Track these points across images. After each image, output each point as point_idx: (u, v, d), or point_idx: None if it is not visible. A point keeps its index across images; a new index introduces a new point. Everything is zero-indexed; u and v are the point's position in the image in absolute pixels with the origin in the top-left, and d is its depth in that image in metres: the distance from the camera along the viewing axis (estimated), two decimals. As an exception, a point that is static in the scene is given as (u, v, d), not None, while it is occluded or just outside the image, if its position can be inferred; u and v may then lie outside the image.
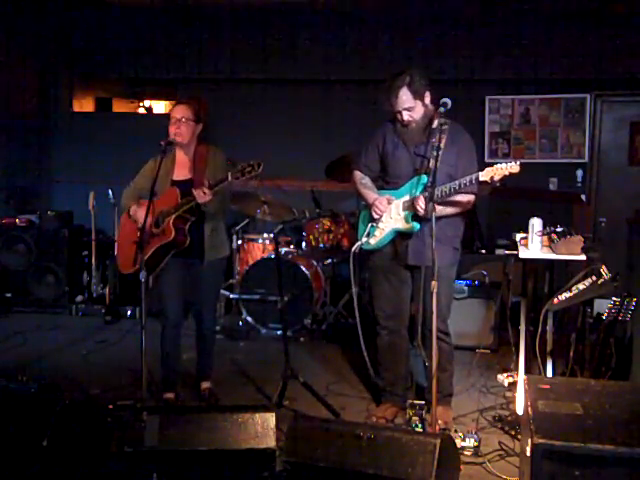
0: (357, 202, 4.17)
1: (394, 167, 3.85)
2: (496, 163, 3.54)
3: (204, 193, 3.74)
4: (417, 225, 3.71)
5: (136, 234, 3.85)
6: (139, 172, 4.10)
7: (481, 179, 3.54)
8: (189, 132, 3.97)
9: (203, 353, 4.27)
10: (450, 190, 3.60)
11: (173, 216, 3.84)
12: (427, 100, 3.72)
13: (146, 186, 3.82)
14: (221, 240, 4.13)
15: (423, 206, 3.59)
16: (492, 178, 3.50)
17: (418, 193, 3.69)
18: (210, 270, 4.07)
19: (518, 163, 3.48)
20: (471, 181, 3.56)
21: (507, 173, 3.48)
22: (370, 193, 3.92)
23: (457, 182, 3.59)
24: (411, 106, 3.68)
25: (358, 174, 4.01)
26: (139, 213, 3.93)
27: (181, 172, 4.01)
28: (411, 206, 3.71)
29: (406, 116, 3.70)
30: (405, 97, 3.65)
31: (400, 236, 3.83)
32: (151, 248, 3.87)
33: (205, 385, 4.28)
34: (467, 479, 3.31)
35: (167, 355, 4.11)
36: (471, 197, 3.77)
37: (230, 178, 3.67)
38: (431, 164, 3.49)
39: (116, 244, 4.25)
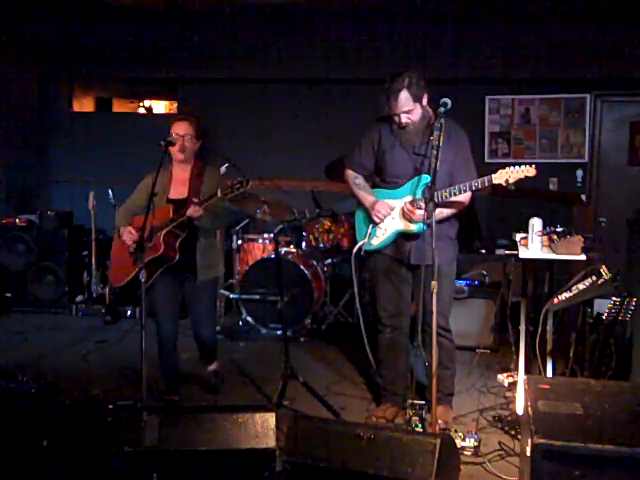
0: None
1: (392, 167, 3.81)
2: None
3: (194, 209, 3.78)
4: (422, 226, 3.61)
5: (126, 253, 3.94)
6: (136, 189, 4.10)
7: (494, 182, 3.47)
8: (192, 149, 4.02)
9: (206, 348, 4.33)
10: (460, 191, 3.55)
11: (164, 231, 3.85)
12: (425, 102, 3.69)
13: (143, 202, 3.81)
14: (216, 259, 4.15)
15: (417, 215, 3.59)
16: (507, 181, 3.43)
17: (420, 193, 3.65)
18: (204, 289, 4.09)
19: (534, 167, 3.41)
20: (483, 183, 3.50)
21: (523, 176, 3.42)
22: (365, 195, 3.90)
23: (467, 184, 3.53)
24: (410, 109, 3.63)
25: (351, 173, 3.96)
26: (126, 236, 3.93)
27: (177, 190, 4.02)
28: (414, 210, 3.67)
29: (404, 118, 3.66)
30: (405, 100, 3.61)
31: (402, 236, 3.80)
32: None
33: (212, 367, 4.36)
34: (467, 479, 3.31)
35: (166, 363, 4.14)
36: (469, 193, 3.70)
37: (219, 194, 3.70)
38: (432, 163, 3.40)
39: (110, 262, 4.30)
